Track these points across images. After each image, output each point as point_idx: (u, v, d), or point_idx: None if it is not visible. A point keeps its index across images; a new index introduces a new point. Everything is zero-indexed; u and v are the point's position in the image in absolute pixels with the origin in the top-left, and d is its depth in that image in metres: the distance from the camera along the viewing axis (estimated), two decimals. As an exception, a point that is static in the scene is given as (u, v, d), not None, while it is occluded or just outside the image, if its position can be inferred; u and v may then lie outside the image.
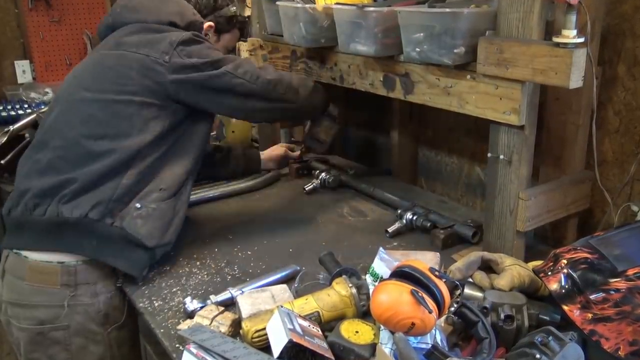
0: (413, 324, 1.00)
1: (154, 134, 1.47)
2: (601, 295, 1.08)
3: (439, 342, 1.06)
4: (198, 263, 1.55)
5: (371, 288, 1.20)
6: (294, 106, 1.66)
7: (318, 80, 1.87)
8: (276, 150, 2.19)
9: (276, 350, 1.04)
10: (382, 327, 1.09)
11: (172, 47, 1.47)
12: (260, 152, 2.15)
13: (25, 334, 1.46)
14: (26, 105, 3.18)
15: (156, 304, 1.36)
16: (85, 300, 1.44)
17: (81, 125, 1.46)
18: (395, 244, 1.64)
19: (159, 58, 1.47)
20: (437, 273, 1.07)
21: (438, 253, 1.46)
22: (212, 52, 1.53)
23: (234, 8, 1.77)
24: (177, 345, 1.21)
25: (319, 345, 1.06)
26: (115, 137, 1.44)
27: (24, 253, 1.44)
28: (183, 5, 1.64)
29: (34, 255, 1.43)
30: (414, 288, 1.02)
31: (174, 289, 1.42)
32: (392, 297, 1.03)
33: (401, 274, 1.07)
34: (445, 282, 1.08)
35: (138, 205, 1.43)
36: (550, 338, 0.97)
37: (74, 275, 1.42)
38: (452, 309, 1.10)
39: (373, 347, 1.07)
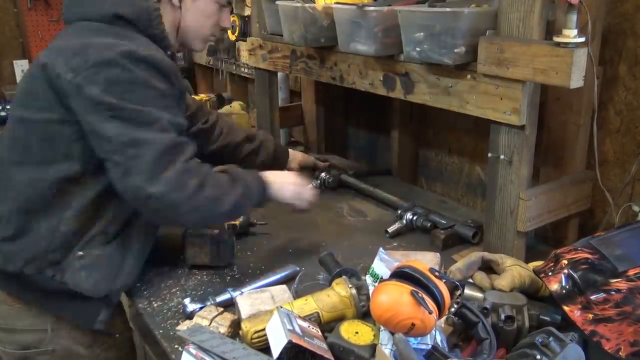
0: (413, 324, 1.00)
1: (83, 159, 1.24)
2: (602, 295, 1.08)
3: (439, 343, 1.06)
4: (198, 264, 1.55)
5: (371, 289, 1.20)
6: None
7: (318, 80, 1.86)
8: (304, 160, 2.00)
9: (275, 351, 1.04)
10: (382, 328, 1.09)
11: (85, 66, 1.17)
12: (290, 152, 1.97)
13: (10, 359, 1.40)
14: (25, 105, 3.18)
15: (155, 305, 1.36)
16: (69, 324, 1.37)
17: (8, 149, 1.29)
18: (395, 244, 1.64)
19: (63, 73, 1.19)
20: (437, 274, 1.07)
21: (438, 253, 1.45)
22: (141, 96, 1.19)
23: None
24: (176, 346, 1.21)
25: (319, 346, 1.06)
26: (39, 164, 1.25)
27: None
28: None
29: None
30: (414, 289, 1.02)
31: (173, 290, 1.42)
32: (392, 298, 1.03)
33: (401, 274, 1.07)
34: (445, 282, 1.08)
35: (80, 252, 1.27)
36: (551, 339, 0.97)
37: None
38: (452, 309, 1.10)
39: (373, 348, 1.07)
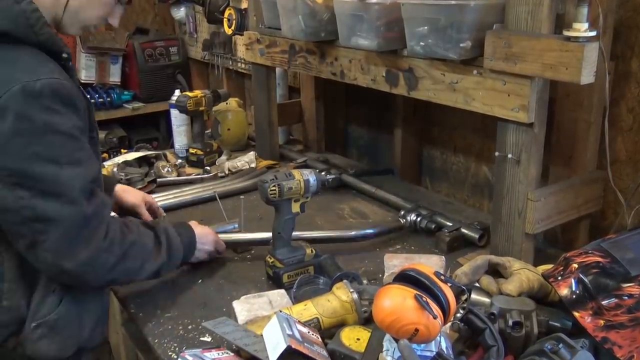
0: (417, 330, 1.00)
1: None
2: (614, 301, 1.08)
3: (444, 350, 1.06)
4: (193, 267, 1.54)
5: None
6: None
7: (318, 76, 1.86)
8: (137, 202, 1.63)
9: (273, 356, 1.03)
10: (385, 337, 1.09)
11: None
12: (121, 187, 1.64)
13: None
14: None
15: (149, 310, 1.36)
16: None
17: None
18: (398, 247, 1.64)
19: None
20: (442, 277, 1.07)
21: (443, 256, 1.46)
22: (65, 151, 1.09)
23: None
24: (170, 353, 1.21)
25: (319, 353, 1.06)
26: None
27: None
28: None
29: None
30: (418, 292, 1.02)
31: (168, 293, 1.42)
32: (395, 302, 1.02)
33: (405, 277, 1.07)
34: (450, 286, 1.08)
35: (33, 324, 1.17)
36: (561, 345, 0.97)
37: None
38: (459, 315, 1.10)
39: (375, 355, 1.07)
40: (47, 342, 1.18)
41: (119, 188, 1.61)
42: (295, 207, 1.42)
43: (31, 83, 1.05)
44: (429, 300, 1.01)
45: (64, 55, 1.16)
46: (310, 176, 1.41)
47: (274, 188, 1.36)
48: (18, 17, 1.08)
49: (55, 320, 1.18)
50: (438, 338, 1.07)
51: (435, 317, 1.00)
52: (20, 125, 1.04)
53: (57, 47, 1.15)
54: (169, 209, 1.88)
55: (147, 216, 1.61)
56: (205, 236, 1.50)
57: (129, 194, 1.62)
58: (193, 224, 1.50)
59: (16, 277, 1.17)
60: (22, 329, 1.17)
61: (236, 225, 1.64)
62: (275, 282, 1.43)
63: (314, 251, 1.46)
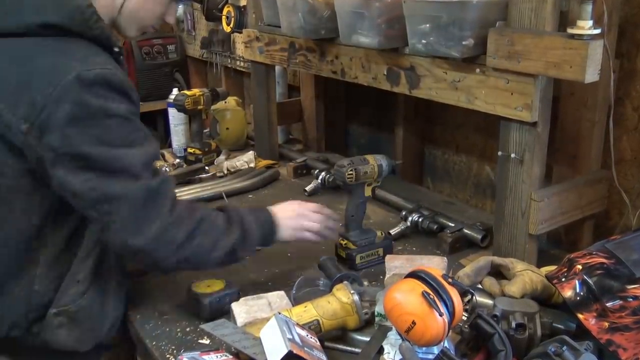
0: (414, 322, 1.00)
1: (42, 213, 1.18)
2: (618, 302, 1.08)
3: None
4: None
5: None
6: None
7: (318, 74, 1.85)
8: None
9: (272, 359, 1.03)
10: (385, 342, 1.09)
11: (35, 112, 1.09)
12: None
13: None
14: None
15: (147, 312, 1.36)
16: None
17: None
18: (399, 248, 1.63)
19: (13, 124, 1.11)
20: (449, 280, 1.06)
21: (445, 258, 1.45)
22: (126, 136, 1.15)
23: None
24: (167, 356, 1.21)
25: (319, 358, 1.06)
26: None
27: None
28: None
29: None
30: (426, 290, 1.01)
31: (166, 295, 1.42)
32: (402, 290, 1.03)
33: (415, 277, 1.07)
34: (456, 287, 1.08)
35: (54, 310, 1.20)
36: (565, 348, 0.96)
37: None
38: (464, 317, 1.10)
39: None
40: (65, 331, 1.21)
41: None
42: (368, 191, 1.51)
43: (85, 72, 1.11)
44: (437, 300, 1.01)
45: (115, 49, 1.23)
46: (382, 161, 1.50)
47: (351, 172, 1.44)
48: (74, 12, 1.16)
49: (76, 312, 1.21)
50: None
51: (441, 315, 1.00)
52: (77, 111, 1.10)
53: (109, 41, 1.22)
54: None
55: None
56: (292, 211, 1.41)
57: None
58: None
59: (51, 263, 1.20)
60: (46, 315, 1.20)
61: None
62: (348, 263, 1.49)
63: (383, 234, 1.54)
